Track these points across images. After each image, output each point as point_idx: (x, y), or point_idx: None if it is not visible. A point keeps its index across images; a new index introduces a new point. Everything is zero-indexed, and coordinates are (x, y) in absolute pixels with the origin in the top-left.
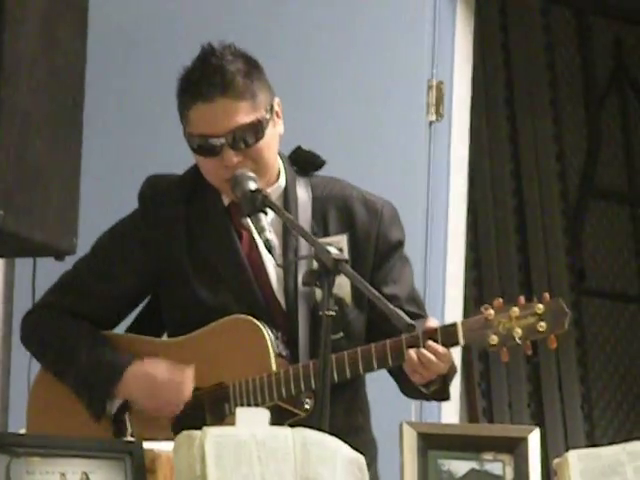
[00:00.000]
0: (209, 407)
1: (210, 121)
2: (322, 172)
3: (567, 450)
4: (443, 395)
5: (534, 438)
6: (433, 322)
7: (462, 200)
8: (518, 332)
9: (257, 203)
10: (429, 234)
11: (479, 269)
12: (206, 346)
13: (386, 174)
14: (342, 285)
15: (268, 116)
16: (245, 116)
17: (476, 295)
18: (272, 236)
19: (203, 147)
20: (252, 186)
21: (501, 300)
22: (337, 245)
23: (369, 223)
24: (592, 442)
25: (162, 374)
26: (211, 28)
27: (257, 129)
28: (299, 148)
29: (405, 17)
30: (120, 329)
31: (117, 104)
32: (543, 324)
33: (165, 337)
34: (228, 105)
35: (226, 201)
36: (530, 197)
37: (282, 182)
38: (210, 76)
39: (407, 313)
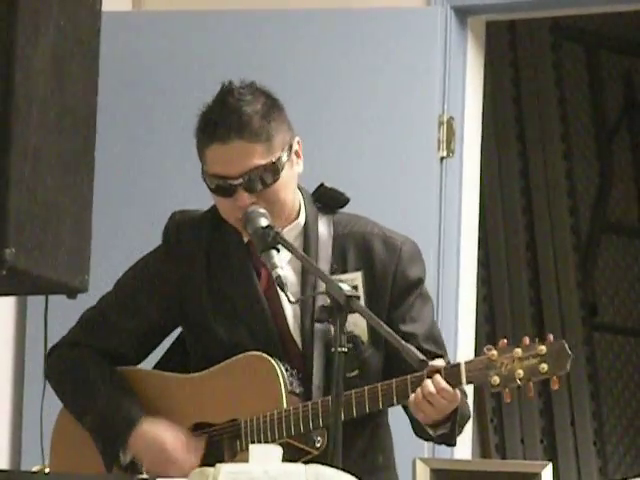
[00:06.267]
0: (222, 443)
1: (225, 162)
2: None
3: None
4: (449, 440)
5: (547, 473)
6: (438, 362)
7: (473, 235)
8: (520, 373)
9: (268, 240)
10: (441, 269)
11: (491, 304)
12: (220, 383)
13: (398, 210)
14: (358, 323)
15: (285, 157)
16: (260, 158)
17: (488, 331)
18: (287, 272)
19: (218, 187)
20: (263, 223)
21: (505, 341)
22: (352, 282)
23: (387, 260)
24: (605, 477)
25: (169, 444)
26: (230, 67)
27: (273, 171)
28: (322, 185)
29: (416, 54)
30: (149, 362)
31: (129, 141)
32: (545, 366)
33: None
34: (243, 147)
35: (246, 238)
36: (542, 232)
37: (302, 220)
38: (227, 117)
39: (424, 352)
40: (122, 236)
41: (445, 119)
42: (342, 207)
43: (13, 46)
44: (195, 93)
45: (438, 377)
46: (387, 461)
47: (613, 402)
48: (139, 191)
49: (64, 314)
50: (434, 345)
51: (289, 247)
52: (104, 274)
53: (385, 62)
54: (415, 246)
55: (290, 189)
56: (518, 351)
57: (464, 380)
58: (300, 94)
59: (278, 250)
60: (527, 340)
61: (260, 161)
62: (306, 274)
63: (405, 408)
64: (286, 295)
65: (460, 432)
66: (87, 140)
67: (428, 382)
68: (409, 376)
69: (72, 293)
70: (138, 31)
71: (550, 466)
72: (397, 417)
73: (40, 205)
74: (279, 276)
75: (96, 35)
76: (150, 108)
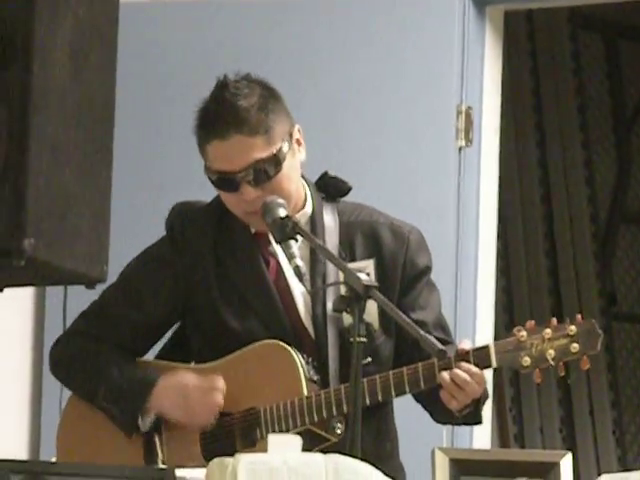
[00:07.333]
0: (240, 432)
1: (226, 158)
2: (352, 197)
3: (599, 475)
4: (475, 419)
5: (566, 463)
6: (466, 344)
7: (492, 225)
8: (551, 353)
9: (287, 230)
10: (459, 259)
11: (510, 294)
12: (237, 372)
13: (416, 199)
14: (369, 311)
15: (286, 147)
16: (261, 151)
17: (506, 321)
18: (301, 262)
19: (221, 182)
20: (282, 213)
21: (533, 322)
22: (365, 270)
23: (396, 249)
24: (624, 466)
25: (192, 381)
26: (248, 56)
27: (274, 163)
28: (326, 174)
29: (434, 43)
30: (149, 355)
31: (147, 131)
32: (576, 345)
33: (193, 364)
34: (243, 141)
35: (253, 229)
36: (560, 222)
37: (309, 209)
38: (224, 113)
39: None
40: (141, 227)
41: (463, 109)
42: (344, 195)
43: (31, 37)
44: (213, 83)
45: (466, 364)
46: (393, 449)
47: (632, 391)
48: (158, 182)
49: (83, 305)
50: (442, 332)
51: (308, 237)
52: (123, 264)
53: (403, 51)
54: (421, 234)
55: (293, 178)
56: (548, 331)
57: (494, 362)
58: (317, 84)
59: (296, 240)
60: (555, 321)
61: (261, 154)
62: (315, 263)
63: (415, 396)
64: (304, 285)
65: (482, 409)
66: (105, 131)
67: (459, 372)
68: (435, 360)
69: (91, 283)
70: (156, 21)
71: (569, 455)
72: (413, 405)
73: (59, 196)
74: (297, 266)
75: (114, 25)
76: (168, 99)
